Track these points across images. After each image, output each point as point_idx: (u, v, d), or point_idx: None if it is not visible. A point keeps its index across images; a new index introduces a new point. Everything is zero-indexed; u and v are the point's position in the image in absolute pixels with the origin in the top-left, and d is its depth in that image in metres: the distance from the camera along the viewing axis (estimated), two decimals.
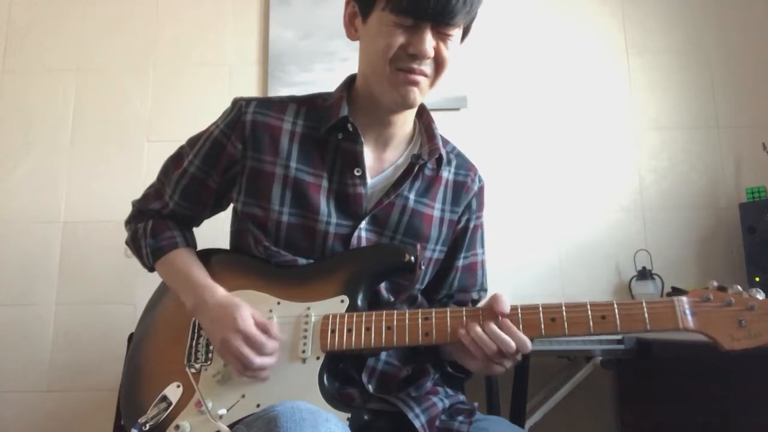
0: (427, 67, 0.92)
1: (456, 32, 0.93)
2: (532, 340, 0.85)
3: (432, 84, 0.95)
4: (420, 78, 0.93)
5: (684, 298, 0.82)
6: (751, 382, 1.17)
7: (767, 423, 1.12)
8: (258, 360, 0.87)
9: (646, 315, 0.81)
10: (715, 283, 0.83)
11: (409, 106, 0.98)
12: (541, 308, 0.85)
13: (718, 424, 1.30)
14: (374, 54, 0.93)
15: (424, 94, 0.96)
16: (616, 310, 0.83)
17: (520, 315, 0.85)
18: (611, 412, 1.90)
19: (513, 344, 0.83)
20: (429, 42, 0.89)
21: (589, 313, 0.83)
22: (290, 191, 0.98)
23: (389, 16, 0.89)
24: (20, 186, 2.05)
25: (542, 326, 0.84)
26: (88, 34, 2.16)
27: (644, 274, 1.91)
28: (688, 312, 0.81)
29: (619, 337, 1.55)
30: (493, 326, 0.84)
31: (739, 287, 0.82)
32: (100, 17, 2.17)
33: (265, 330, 0.90)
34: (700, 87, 2.10)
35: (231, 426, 0.85)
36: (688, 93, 2.10)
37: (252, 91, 2.11)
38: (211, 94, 2.10)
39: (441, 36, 0.91)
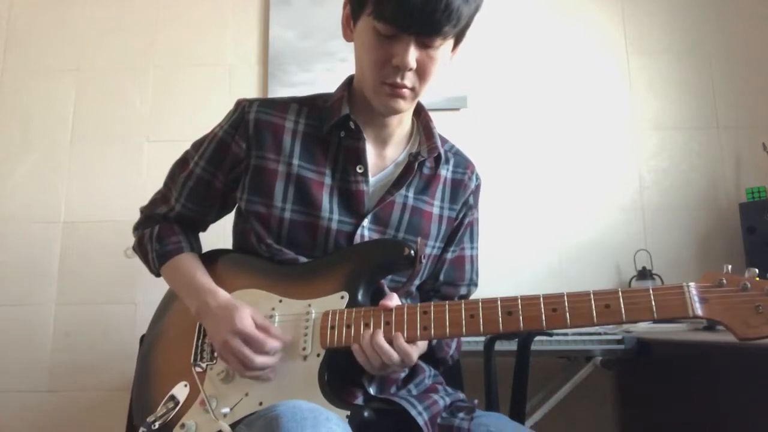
0: (411, 78, 0.92)
1: (443, 43, 0.90)
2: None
3: (418, 94, 0.95)
4: (404, 91, 0.92)
5: (694, 284, 0.77)
6: (751, 382, 1.17)
7: (767, 423, 1.12)
8: (259, 359, 0.87)
9: (654, 303, 0.77)
10: (729, 268, 0.77)
11: (397, 113, 0.99)
12: (542, 299, 0.82)
13: (718, 424, 1.30)
14: (362, 63, 0.94)
15: (410, 102, 0.96)
16: (621, 300, 0.78)
17: (520, 307, 0.82)
18: (611, 412, 1.90)
19: (396, 357, 0.85)
20: (412, 54, 0.88)
21: (593, 303, 0.79)
22: (293, 188, 0.99)
23: (373, 22, 0.88)
24: (20, 186, 2.05)
25: (543, 319, 0.81)
26: (88, 34, 2.16)
27: (644, 274, 1.91)
28: (698, 299, 0.76)
29: (619, 336, 1.55)
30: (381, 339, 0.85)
31: (755, 270, 0.76)
32: (100, 17, 2.17)
33: (264, 329, 0.90)
34: (700, 87, 2.10)
35: (234, 424, 0.85)
36: (688, 93, 2.11)
37: (252, 91, 2.11)
38: (211, 94, 2.11)
39: (426, 47, 0.89)
